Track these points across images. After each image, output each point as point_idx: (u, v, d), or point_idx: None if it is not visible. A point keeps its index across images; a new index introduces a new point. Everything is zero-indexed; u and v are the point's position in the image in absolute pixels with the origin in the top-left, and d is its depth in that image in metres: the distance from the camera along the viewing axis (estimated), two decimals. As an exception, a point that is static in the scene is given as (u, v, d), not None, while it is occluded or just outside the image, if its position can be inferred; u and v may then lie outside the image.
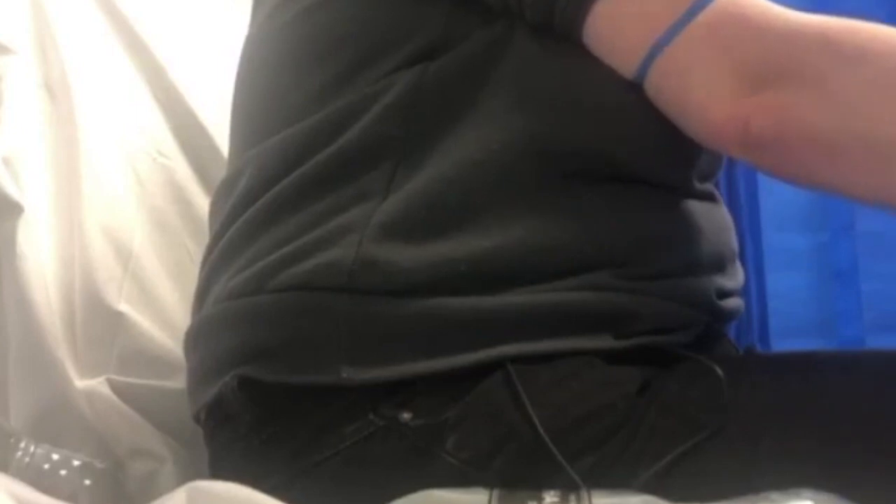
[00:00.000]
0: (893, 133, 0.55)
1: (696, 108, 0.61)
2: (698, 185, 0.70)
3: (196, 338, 0.71)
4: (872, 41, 0.57)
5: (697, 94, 0.60)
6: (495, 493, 0.53)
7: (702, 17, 0.59)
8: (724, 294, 0.71)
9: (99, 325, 0.83)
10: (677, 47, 0.60)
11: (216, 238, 0.72)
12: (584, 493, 0.52)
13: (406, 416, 0.60)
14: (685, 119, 0.62)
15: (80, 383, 0.80)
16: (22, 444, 0.71)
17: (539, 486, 0.54)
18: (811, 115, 0.57)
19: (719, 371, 0.60)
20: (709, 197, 0.72)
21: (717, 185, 0.75)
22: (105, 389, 0.82)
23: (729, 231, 0.74)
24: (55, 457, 0.72)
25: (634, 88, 0.63)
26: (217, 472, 0.68)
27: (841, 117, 0.57)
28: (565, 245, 0.63)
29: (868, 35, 0.57)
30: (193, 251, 0.91)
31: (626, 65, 0.62)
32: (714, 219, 0.71)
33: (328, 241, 0.63)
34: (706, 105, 0.60)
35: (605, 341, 0.62)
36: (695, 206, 0.69)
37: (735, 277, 0.74)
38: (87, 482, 0.73)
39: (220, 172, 0.82)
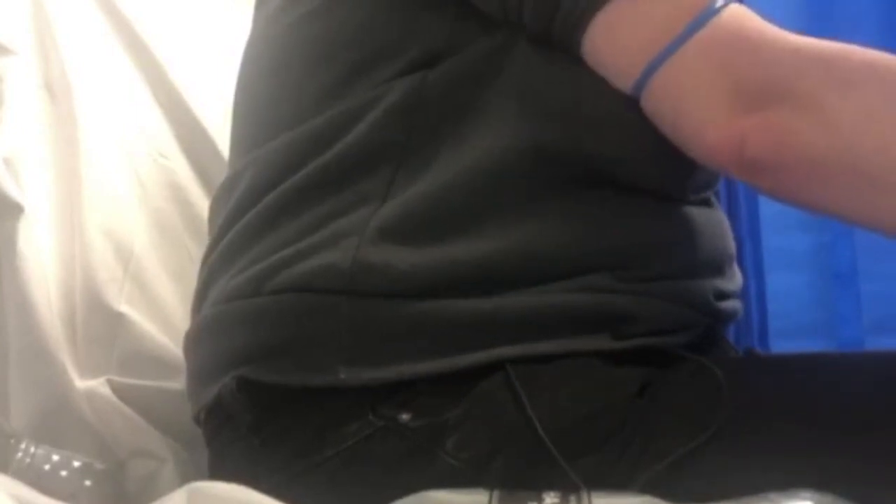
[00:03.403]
0: (882, 160, 0.55)
1: (693, 128, 0.60)
2: (695, 196, 0.70)
3: (195, 339, 0.71)
4: (868, 66, 0.57)
5: (694, 113, 0.60)
6: (495, 493, 0.53)
7: (700, 35, 0.59)
8: (723, 296, 0.71)
9: (99, 325, 0.83)
10: (674, 66, 0.59)
11: (216, 239, 0.72)
12: (584, 494, 0.52)
13: (406, 416, 0.60)
14: (681, 137, 0.61)
15: (81, 384, 0.80)
16: (22, 445, 0.71)
17: (539, 486, 0.54)
18: (807, 139, 0.57)
19: (719, 372, 0.60)
20: (705, 202, 0.72)
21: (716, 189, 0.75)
22: (105, 390, 0.82)
23: (726, 234, 0.74)
24: (55, 457, 0.72)
25: (634, 98, 0.62)
26: (217, 473, 0.68)
27: (834, 142, 0.56)
28: (565, 248, 0.63)
29: (864, 60, 0.57)
30: (194, 252, 0.91)
31: (623, 81, 0.62)
32: (711, 222, 0.71)
33: (327, 245, 0.63)
34: (702, 125, 0.59)
35: (604, 342, 0.62)
36: (692, 211, 0.69)
37: (733, 280, 0.74)
38: (88, 483, 0.73)
39: (220, 174, 0.82)
